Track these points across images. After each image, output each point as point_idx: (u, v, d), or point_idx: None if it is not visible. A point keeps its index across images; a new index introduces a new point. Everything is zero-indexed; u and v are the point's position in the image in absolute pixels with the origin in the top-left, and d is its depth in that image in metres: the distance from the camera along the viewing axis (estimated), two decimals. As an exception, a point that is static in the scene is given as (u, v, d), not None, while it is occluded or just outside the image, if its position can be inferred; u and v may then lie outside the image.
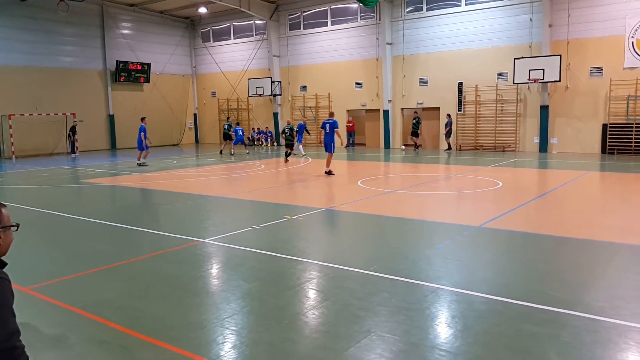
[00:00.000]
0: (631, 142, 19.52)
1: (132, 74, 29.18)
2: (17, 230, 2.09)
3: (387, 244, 7.22)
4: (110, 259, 6.50)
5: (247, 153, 23.92)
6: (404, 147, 24.64)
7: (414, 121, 23.40)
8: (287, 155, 19.65)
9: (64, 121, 25.80)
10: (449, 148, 22.75)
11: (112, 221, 8.94)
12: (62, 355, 3.97)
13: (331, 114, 16.08)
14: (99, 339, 4.18)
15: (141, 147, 18.30)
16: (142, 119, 18.85)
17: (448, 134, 22.67)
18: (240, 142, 23.74)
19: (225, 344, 4.02)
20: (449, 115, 22.92)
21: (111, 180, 15.20)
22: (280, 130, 20.87)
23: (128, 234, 8.05)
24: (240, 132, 23.55)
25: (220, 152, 23.81)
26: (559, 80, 20.03)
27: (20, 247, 2.38)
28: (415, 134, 23.37)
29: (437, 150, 23.48)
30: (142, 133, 18.23)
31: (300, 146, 22.27)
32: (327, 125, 14.71)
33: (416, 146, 23.55)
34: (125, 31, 29.34)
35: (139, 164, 18.16)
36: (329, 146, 14.82)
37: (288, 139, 19.97)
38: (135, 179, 15.14)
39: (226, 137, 24.11)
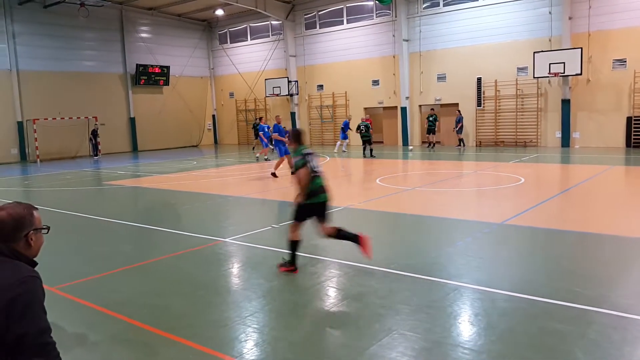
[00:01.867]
0: (658, 135, 19.02)
1: (151, 77, 29.58)
2: (47, 233, 2.13)
3: (407, 241, 7.18)
4: (133, 259, 6.61)
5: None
6: (412, 147, 23.72)
7: (431, 118, 22.96)
8: (370, 152, 19.62)
9: (86, 124, 26.31)
10: (463, 145, 22.24)
11: (134, 222, 9.09)
12: (87, 352, 4.05)
13: (276, 118, 16.25)
14: (122, 337, 4.26)
15: (267, 144, 19.59)
16: (277, 117, 20.18)
17: (459, 130, 22.27)
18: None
19: (247, 341, 4.05)
20: (459, 111, 22.54)
21: (133, 182, 15.44)
22: (355, 127, 20.85)
23: (150, 234, 8.16)
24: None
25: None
26: (580, 74, 19.61)
27: (47, 248, 2.43)
28: (431, 131, 22.99)
29: (457, 147, 23.17)
30: (271, 132, 19.35)
31: (345, 142, 22.35)
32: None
33: (431, 144, 23.11)
34: (144, 35, 29.76)
35: (265, 159, 19.43)
36: (280, 150, 14.82)
37: (365, 136, 19.83)
38: (156, 180, 15.35)
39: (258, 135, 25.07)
